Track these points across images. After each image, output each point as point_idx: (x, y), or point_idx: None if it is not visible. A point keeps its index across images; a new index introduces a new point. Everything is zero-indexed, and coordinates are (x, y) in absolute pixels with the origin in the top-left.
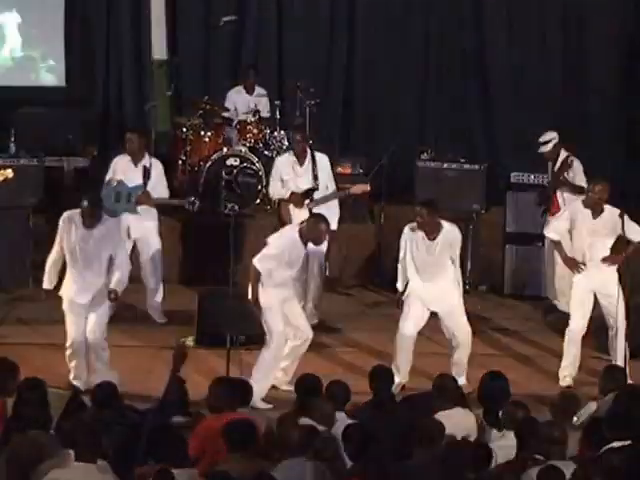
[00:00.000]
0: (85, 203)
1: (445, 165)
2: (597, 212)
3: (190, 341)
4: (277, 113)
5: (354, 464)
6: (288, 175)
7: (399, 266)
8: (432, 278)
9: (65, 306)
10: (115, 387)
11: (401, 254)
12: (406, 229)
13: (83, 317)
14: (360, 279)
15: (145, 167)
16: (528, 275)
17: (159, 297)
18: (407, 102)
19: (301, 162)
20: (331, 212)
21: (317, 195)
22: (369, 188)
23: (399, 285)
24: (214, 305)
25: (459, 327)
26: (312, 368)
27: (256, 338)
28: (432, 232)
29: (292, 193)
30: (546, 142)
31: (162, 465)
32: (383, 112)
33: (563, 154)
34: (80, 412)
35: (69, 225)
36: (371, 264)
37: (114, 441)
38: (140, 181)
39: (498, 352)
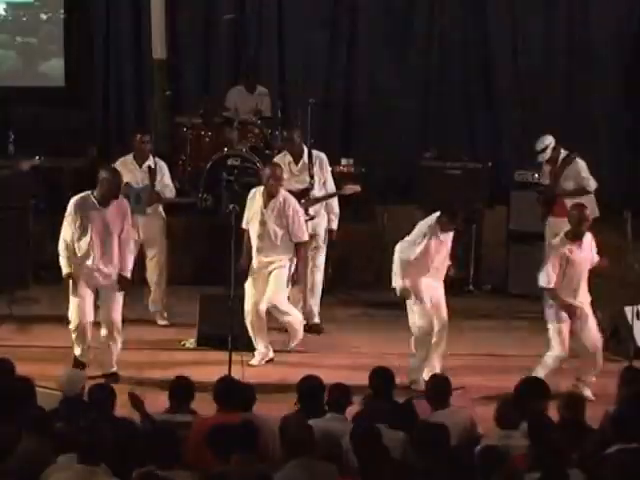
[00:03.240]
0: (106, 176)
1: (448, 164)
2: (581, 240)
3: (191, 343)
4: (278, 112)
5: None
6: (285, 175)
7: (405, 262)
8: (437, 274)
9: (72, 288)
10: (112, 391)
11: (418, 251)
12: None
13: (90, 298)
14: (360, 279)
15: (150, 167)
16: (532, 274)
17: (163, 299)
18: (409, 101)
19: (297, 161)
20: (331, 213)
21: (312, 194)
22: (359, 189)
23: (399, 282)
24: (215, 306)
25: (441, 318)
26: (310, 369)
27: None
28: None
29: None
30: (544, 149)
31: (152, 467)
32: (385, 111)
33: (563, 154)
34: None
35: (80, 209)
36: (371, 264)
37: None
38: (146, 182)
39: (501, 352)
